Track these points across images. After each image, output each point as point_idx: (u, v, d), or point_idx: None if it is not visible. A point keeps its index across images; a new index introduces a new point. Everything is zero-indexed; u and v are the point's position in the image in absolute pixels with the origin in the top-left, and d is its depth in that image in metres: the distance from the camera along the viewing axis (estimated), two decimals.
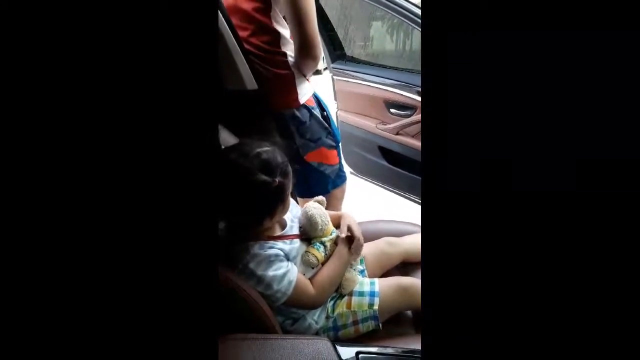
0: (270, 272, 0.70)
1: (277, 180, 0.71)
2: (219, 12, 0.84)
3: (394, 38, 1.76)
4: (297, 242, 0.79)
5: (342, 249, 0.81)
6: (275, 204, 0.73)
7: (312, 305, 0.77)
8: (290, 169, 0.76)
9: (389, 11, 1.46)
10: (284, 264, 0.72)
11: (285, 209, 0.77)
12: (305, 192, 1.16)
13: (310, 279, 0.77)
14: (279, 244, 0.75)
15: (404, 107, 1.52)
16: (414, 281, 0.83)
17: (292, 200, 0.85)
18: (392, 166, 1.60)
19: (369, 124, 1.60)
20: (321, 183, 1.13)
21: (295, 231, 0.81)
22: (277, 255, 0.72)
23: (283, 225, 0.81)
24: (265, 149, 0.74)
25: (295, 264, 0.75)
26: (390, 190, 1.67)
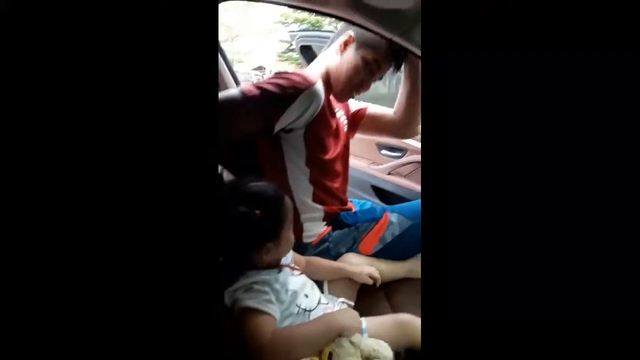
0: (247, 299, 0.67)
1: (258, 212, 0.68)
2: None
3: (387, 82, 1.83)
4: (285, 272, 0.76)
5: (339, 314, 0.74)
6: (260, 238, 0.70)
7: (256, 351, 0.63)
8: (286, 204, 0.73)
9: None
10: (263, 292, 0.68)
11: (281, 246, 0.73)
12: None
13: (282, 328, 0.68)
14: (263, 272, 0.72)
15: (395, 149, 1.56)
16: (412, 317, 0.79)
17: None
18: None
19: (361, 164, 1.64)
20: (399, 244, 1.03)
21: (287, 262, 0.79)
22: (256, 282, 0.69)
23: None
24: (258, 183, 0.72)
25: (280, 294, 0.71)
26: None
